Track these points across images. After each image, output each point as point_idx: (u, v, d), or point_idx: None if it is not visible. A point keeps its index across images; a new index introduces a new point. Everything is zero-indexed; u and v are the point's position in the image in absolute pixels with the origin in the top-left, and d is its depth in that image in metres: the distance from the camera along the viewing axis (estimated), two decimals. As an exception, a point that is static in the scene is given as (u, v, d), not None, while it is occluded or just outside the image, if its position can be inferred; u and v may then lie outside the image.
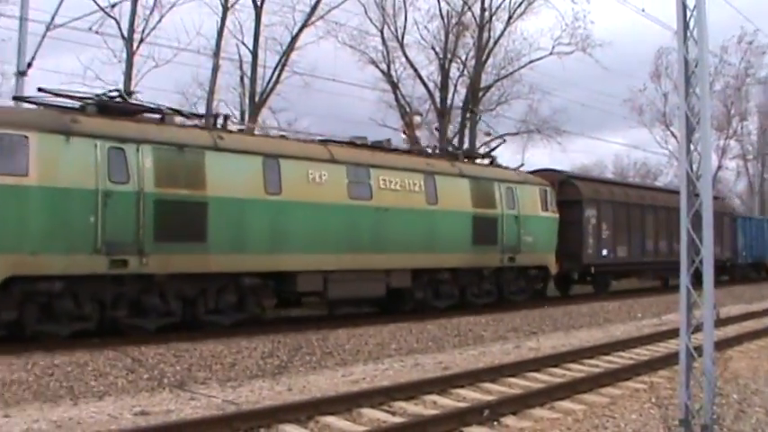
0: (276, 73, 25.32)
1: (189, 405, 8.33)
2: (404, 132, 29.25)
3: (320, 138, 14.77)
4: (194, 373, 9.83)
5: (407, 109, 29.96)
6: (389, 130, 29.15)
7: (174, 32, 28.21)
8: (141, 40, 22.82)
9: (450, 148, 20.28)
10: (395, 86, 29.98)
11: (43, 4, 17.92)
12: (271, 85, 25.38)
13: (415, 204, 14.98)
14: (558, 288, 22.16)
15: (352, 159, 14.04)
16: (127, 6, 22.07)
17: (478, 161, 18.39)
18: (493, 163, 18.56)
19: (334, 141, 14.72)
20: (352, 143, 14.78)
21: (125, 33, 22.45)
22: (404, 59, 29.61)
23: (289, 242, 12.68)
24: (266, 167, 12.52)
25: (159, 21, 23.40)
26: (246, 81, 25.78)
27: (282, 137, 14.95)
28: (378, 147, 15.28)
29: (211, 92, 23.70)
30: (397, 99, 30.14)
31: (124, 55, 22.62)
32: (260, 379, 9.89)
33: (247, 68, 25.53)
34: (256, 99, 25.12)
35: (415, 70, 29.64)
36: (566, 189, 20.41)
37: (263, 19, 24.69)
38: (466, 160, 17.69)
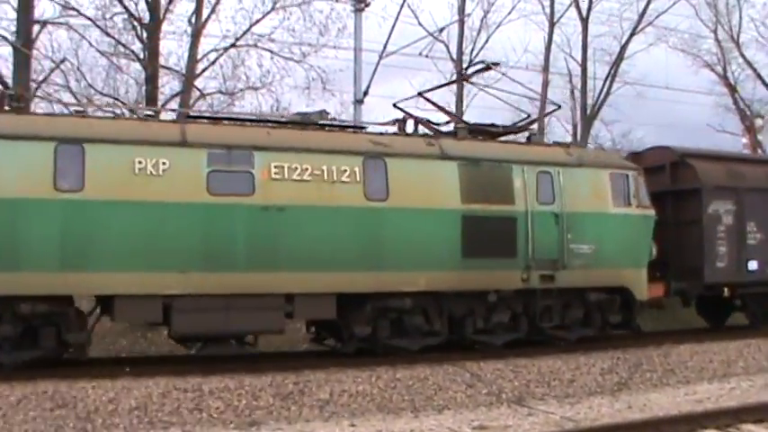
0: (606, 84, 25.20)
1: (527, 421, 8.55)
2: (745, 137, 28.43)
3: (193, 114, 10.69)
4: (532, 389, 10.11)
5: (747, 112, 28.55)
6: (719, 136, 28.75)
7: (503, 51, 27.93)
8: (471, 62, 22.26)
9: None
10: (732, 89, 28.64)
11: (374, 34, 20.03)
12: (602, 96, 25.26)
13: (343, 200, 10.32)
14: (705, 316, 15.37)
15: (219, 140, 9.91)
16: (455, 29, 23.20)
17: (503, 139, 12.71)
18: (531, 139, 12.88)
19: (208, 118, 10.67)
20: (234, 118, 10.65)
21: (454, 56, 23.74)
22: (741, 60, 28.23)
23: (95, 256, 9.05)
24: (60, 156, 9.02)
25: (486, 41, 24.73)
26: (577, 94, 26.25)
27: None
28: (280, 121, 10.93)
29: (542, 107, 22.46)
30: (735, 102, 28.82)
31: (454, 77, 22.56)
32: (599, 396, 10.13)
33: (577, 82, 25.98)
34: (588, 111, 25.43)
35: (754, 70, 27.98)
36: (680, 173, 13.79)
37: (591, 30, 24.93)
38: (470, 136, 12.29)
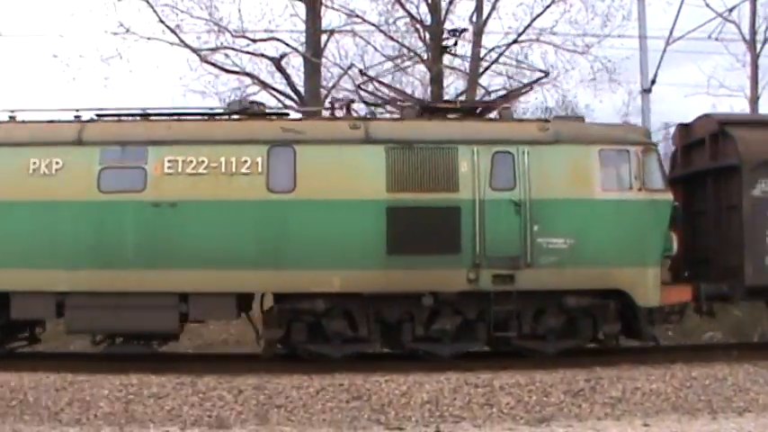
0: None
1: None
2: None
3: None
4: None
5: None
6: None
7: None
8: (766, 41, 21.34)
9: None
10: None
11: (660, 20, 21.29)
12: None
13: (241, 194, 9.74)
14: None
15: (115, 137, 9.85)
16: (746, 8, 21.17)
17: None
18: (502, 115, 11.01)
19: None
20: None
21: (746, 36, 21.58)
22: None
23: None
24: None
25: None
26: None
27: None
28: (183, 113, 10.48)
29: None
30: None
31: (747, 58, 21.63)
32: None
33: None
34: None
35: None
36: (720, 146, 10.96)
37: None
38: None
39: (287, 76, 17.63)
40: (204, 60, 17.34)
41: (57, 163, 9.68)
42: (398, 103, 10.97)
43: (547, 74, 12.18)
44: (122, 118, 10.53)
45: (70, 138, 9.83)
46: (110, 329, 9.89)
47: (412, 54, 18.28)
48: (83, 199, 9.65)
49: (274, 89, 17.62)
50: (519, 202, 9.90)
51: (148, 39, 17.01)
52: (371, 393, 8.63)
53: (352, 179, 9.87)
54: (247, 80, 17.91)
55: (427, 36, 17.88)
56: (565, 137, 10.26)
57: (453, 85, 19.86)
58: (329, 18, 18.32)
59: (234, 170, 9.76)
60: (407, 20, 17.88)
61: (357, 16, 17.81)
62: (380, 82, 11.63)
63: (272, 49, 17.69)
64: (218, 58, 17.62)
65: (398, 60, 18.73)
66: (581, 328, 10.33)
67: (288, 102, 16.96)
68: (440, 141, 10.06)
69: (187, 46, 17.23)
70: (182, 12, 17.09)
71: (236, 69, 17.71)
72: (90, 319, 9.67)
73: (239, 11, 18.10)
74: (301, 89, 17.30)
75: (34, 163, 9.68)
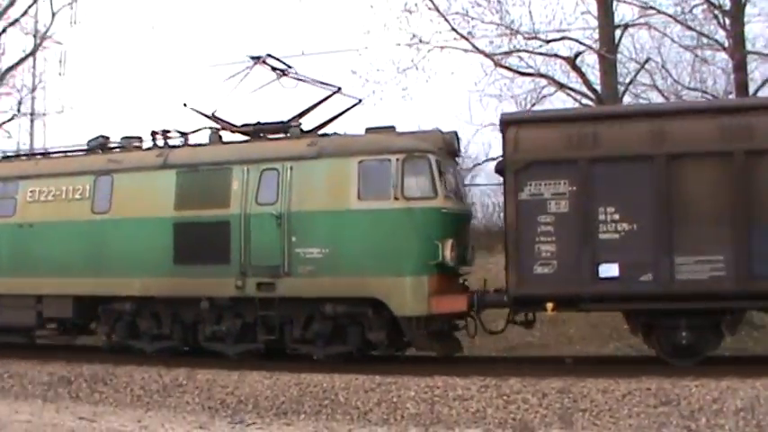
0: None
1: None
2: None
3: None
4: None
5: None
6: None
7: None
8: None
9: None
10: None
11: None
12: None
13: (74, 215, 12.07)
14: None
15: (43, 170, 12.75)
16: None
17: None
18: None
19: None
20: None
21: None
22: None
23: None
24: None
25: None
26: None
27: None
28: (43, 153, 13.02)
29: None
30: None
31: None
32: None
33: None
34: None
35: None
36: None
37: None
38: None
39: (582, 75, 17.40)
40: (498, 65, 17.53)
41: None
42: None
43: (339, 89, 12.25)
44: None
45: None
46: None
47: (711, 42, 17.01)
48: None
49: (571, 89, 17.49)
50: (279, 215, 10.70)
51: (441, 48, 17.55)
52: (681, 398, 8.27)
53: (151, 200, 11.57)
54: (543, 81, 18.01)
55: (727, 22, 16.55)
56: (327, 151, 10.78)
57: (758, 71, 18.02)
58: (621, 12, 17.82)
59: (71, 196, 12.12)
60: (705, 7, 16.60)
61: (651, 8, 17.09)
62: (195, 110, 12.69)
63: (566, 49, 17.55)
64: (512, 61, 17.75)
65: (697, 50, 17.71)
66: (349, 335, 10.68)
67: (585, 101, 17.03)
68: (218, 163, 11.30)
69: (480, 51, 17.46)
70: (473, 18, 17.34)
71: (531, 71, 17.78)
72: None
73: (530, 13, 17.64)
74: (598, 87, 17.02)
75: None
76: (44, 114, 25.31)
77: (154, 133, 12.40)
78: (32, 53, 23.18)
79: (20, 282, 12.34)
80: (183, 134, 12.35)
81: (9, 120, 23.24)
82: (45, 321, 12.48)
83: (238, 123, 12.31)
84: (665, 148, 9.33)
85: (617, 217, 9.43)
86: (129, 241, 11.59)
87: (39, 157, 13.52)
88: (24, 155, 13.66)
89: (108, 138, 12.93)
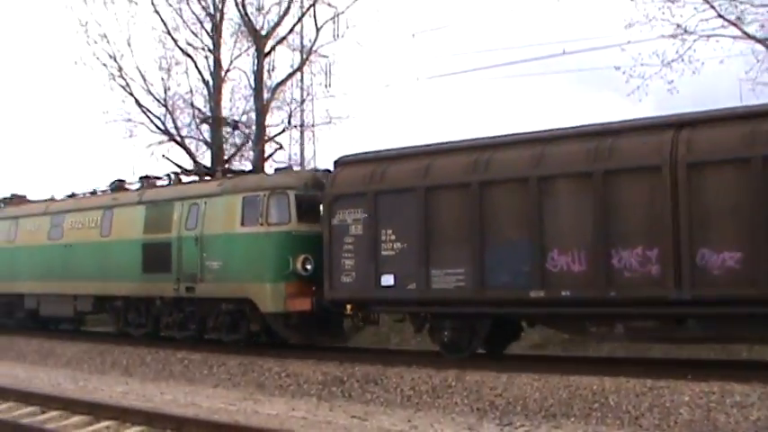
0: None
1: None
2: None
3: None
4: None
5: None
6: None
7: None
8: None
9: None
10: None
11: None
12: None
13: (91, 238, 16.92)
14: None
15: (54, 209, 18.14)
16: None
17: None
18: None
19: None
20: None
21: None
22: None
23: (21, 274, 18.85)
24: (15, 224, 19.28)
25: None
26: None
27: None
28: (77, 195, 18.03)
29: None
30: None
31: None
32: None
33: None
34: None
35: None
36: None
37: None
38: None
39: None
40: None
41: (38, 225, 18.47)
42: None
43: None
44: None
45: (41, 211, 18.63)
46: (54, 314, 18.10)
47: None
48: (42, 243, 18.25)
49: None
50: (197, 237, 14.61)
51: (708, 37, 17.04)
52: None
53: (132, 226, 15.98)
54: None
55: None
56: (227, 189, 14.48)
57: None
58: None
59: (90, 225, 17.08)
60: None
61: None
62: (169, 159, 17.05)
63: None
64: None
65: None
66: (239, 326, 14.27)
67: None
68: (166, 200, 15.48)
69: (751, 37, 16.85)
70: (741, 2, 16.53)
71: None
72: (48, 309, 18.10)
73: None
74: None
75: (33, 225, 18.66)
76: (313, 126, 26.57)
77: (143, 178, 16.95)
78: (300, 68, 24.94)
79: (65, 285, 17.49)
80: (157, 177, 16.77)
81: (281, 132, 24.70)
82: (78, 314, 17.54)
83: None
84: (426, 182, 11.76)
85: (393, 237, 12.01)
86: (120, 256, 16.13)
87: (76, 197, 18.78)
88: (69, 196, 19.00)
89: (123, 181, 17.69)
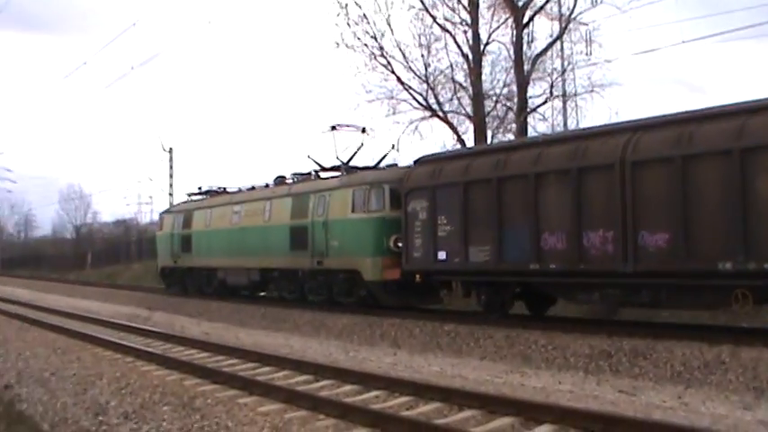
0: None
1: None
2: None
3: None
4: None
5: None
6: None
7: None
8: None
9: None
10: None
11: None
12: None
13: (258, 223, 22.06)
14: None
15: (235, 200, 23.69)
16: None
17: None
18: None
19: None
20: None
21: None
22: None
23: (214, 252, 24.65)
24: (210, 212, 25.24)
25: None
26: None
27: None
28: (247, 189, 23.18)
29: None
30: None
31: None
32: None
33: None
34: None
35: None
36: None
37: None
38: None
39: None
40: None
41: (240, 210, 24.16)
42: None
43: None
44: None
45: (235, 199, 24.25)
46: (238, 284, 23.66)
47: None
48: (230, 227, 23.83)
49: None
50: (324, 222, 19.03)
51: None
52: None
53: (284, 213, 20.87)
54: None
55: None
56: (344, 183, 18.70)
57: None
58: None
59: (256, 212, 22.29)
60: None
61: None
62: (316, 162, 21.29)
63: None
64: None
65: None
66: (353, 291, 18.46)
67: None
68: (304, 192, 20.09)
69: None
70: None
71: None
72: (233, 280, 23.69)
73: None
74: None
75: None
76: (575, 95, 25.40)
77: (278, 177, 21.85)
78: (559, 37, 24.13)
79: (241, 260, 22.93)
80: (307, 174, 21.47)
81: (542, 103, 24.61)
82: (252, 283, 22.91)
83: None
84: (465, 178, 14.95)
85: (445, 222, 15.37)
86: (275, 238, 21.04)
87: (248, 190, 24.09)
88: (248, 189, 24.24)
89: (284, 177, 22.64)
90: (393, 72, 24.29)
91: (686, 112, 11.79)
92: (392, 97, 24.71)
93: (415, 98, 24.43)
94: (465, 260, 14.84)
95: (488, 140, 23.45)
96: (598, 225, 12.26)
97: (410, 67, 24.19)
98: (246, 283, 23.09)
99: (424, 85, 24.23)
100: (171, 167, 41.58)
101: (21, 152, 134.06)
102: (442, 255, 15.44)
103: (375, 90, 24.69)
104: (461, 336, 14.09)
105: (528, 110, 23.89)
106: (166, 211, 30.81)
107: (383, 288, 17.56)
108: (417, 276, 16.25)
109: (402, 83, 24.35)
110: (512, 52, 23.76)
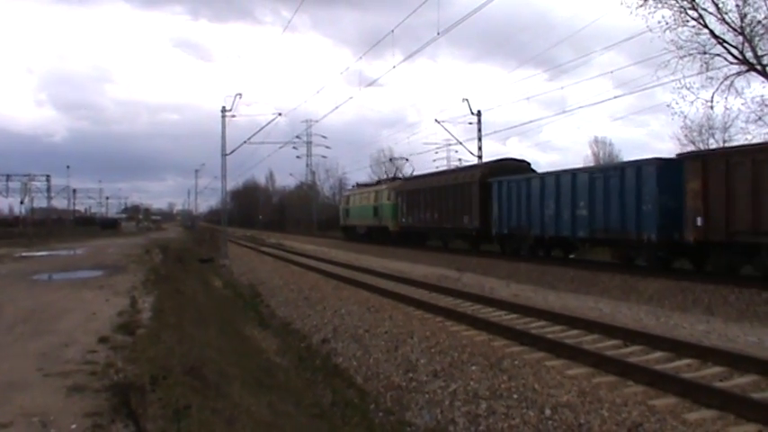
0: None
1: None
2: None
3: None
4: None
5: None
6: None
7: None
8: None
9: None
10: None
11: None
12: None
13: (365, 203, 41.63)
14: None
15: (355, 192, 36.57)
16: None
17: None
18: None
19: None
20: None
21: None
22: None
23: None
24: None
25: None
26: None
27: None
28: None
29: None
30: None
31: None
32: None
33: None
34: None
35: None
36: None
37: None
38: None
39: None
40: None
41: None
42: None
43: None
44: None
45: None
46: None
47: None
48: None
49: None
50: (379, 204, 35.62)
51: None
52: None
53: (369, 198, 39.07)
54: None
55: None
56: (386, 188, 37.22)
57: None
58: None
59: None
60: None
61: None
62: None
63: None
64: None
65: None
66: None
67: None
68: (375, 190, 43.26)
69: None
70: None
71: None
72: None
73: None
74: None
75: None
76: None
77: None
78: None
79: (361, 222, 43.97)
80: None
81: None
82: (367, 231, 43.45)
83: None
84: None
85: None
86: (367, 211, 37.03)
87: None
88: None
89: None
90: (706, 26, 23.33)
91: None
92: (705, 52, 23.66)
93: (730, 52, 23.31)
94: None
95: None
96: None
97: (724, 19, 23.10)
98: (365, 232, 43.40)
99: (740, 38, 22.99)
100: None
101: (333, 119, 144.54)
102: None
103: (686, 46, 23.83)
104: (786, 305, 12.88)
105: None
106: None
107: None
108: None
109: (715, 36, 23.35)
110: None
